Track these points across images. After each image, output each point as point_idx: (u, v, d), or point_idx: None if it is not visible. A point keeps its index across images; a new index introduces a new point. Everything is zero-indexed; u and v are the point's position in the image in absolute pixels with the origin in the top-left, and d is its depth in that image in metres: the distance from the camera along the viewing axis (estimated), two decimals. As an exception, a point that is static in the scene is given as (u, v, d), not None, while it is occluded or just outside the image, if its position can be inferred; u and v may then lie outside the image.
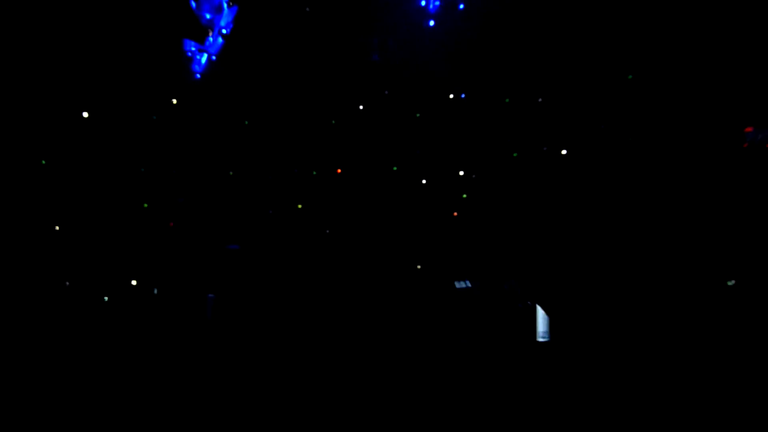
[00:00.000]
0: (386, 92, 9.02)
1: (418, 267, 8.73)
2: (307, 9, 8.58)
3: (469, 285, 7.59)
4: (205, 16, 7.65)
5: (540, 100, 8.53)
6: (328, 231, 8.96)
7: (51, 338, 6.67)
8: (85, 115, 7.92)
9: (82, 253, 7.89)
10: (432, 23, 8.47)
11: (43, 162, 7.92)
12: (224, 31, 8.16)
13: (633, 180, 8.11)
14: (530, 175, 8.68)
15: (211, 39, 7.88)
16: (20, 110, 7.68)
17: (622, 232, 8.04)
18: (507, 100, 8.74)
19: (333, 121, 9.04)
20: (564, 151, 8.56)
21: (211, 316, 7.49)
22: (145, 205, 8.44)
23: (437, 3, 8.39)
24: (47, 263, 7.58)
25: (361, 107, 9.02)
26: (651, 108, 8.12)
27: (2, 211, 7.58)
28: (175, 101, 8.45)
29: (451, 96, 8.85)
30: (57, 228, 7.83)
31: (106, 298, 7.01)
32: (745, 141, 7.34)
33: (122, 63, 8.01)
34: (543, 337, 7.22)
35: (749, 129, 7.33)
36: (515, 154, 8.75)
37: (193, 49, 7.96)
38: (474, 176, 9.01)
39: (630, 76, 8.27)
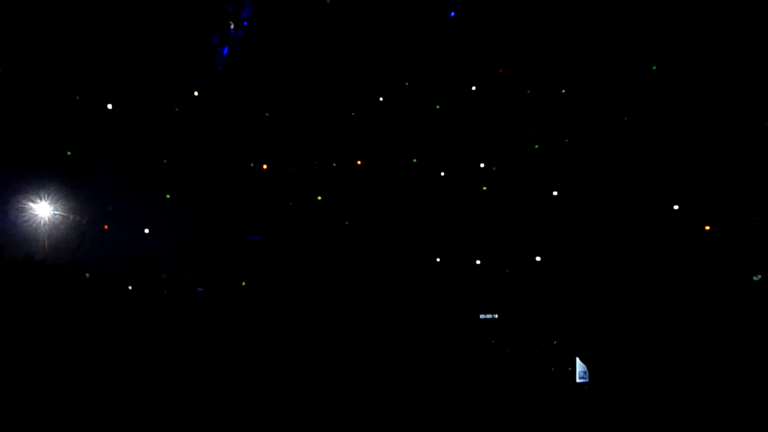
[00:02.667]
0: (407, 83, 8.98)
1: (437, 260, 8.73)
2: (328, 1, 8.56)
3: (495, 317, 6.68)
4: (227, 9, 7.69)
5: (563, 91, 8.43)
6: (347, 223, 8.98)
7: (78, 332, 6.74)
8: (110, 106, 8.02)
9: (104, 243, 8.01)
10: (453, 14, 8.40)
11: (69, 153, 8.04)
12: (245, 23, 8.20)
13: (659, 175, 7.98)
14: (551, 168, 8.60)
15: (233, 31, 7.91)
16: (47, 102, 7.80)
17: (648, 236, 7.78)
18: (528, 92, 8.65)
19: (353, 113, 9.03)
20: (586, 144, 8.46)
21: (200, 310, 7.44)
22: (168, 196, 8.54)
23: (459, -7, 8.32)
24: (66, 253, 7.70)
25: (381, 99, 9.00)
26: (676, 99, 7.98)
27: (23, 199, 7.72)
28: (196, 93, 8.51)
29: (473, 87, 8.78)
30: (80, 216, 7.95)
31: (130, 287, 7.12)
32: None
33: (146, 55, 8.07)
34: (582, 378, 6.17)
35: None
36: (537, 146, 8.67)
37: (215, 41, 8.01)
38: (494, 168, 8.96)
39: (654, 67, 8.13)
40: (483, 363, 6.42)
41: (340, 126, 9.01)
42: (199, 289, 7.23)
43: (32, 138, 7.90)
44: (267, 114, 8.85)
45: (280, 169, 8.93)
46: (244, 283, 8.28)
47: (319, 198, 9.08)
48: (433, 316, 7.76)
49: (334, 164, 9.13)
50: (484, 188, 8.97)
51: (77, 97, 8.13)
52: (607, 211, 8.19)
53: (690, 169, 7.84)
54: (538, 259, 8.79)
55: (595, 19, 8.25)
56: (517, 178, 8.75)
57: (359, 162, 9.16)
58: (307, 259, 8.74)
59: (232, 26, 8.10)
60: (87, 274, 6.88)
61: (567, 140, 8.51)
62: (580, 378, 6.17)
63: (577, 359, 5.87)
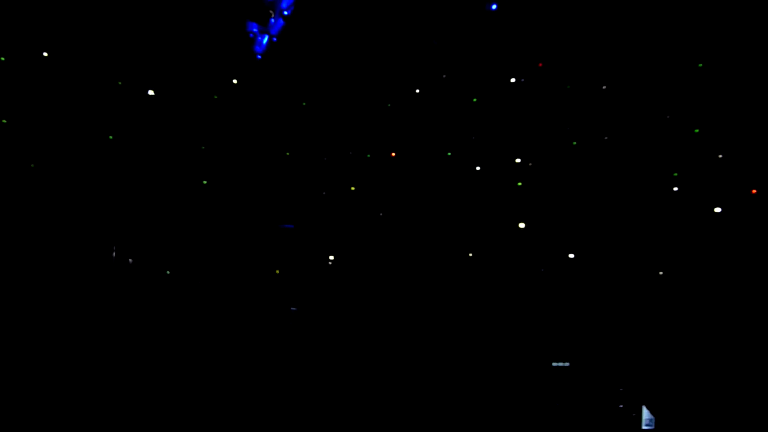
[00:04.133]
0: (444, 76, 8.93)
1: (470, 255, 8.70)
2: (368, -9, 8.55)
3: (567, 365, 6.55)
4: (268, -2, 7.72)
5: (604, 87, 8.29)
6: (381, 214, 9.01)
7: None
8: (151, 93, 8.17)
9: (140, 231, 8.18)
10: (494, 6, 8.31)
11: (111, 137, 8.22)
12: (285, 12, 8.22)
13: (705, 175, 7.77)
14: (589, 165, 8.49)
15: (273, 20, 7.95)
16: (90, 87, 7.99)
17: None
18: (568, 87, 8.53)
19: (389, 105, 9.03)
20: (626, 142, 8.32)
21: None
22: (204, 182, 8.67)
23: (500, -15, 8.22)
24: (105, 239, 7.88)
25: (417, 91, 8.97)
26: (724, 98, 7.78)
27: (69, 183, 7.93)
28: (235, 81, 8.60)
29: (512, 80, 8.69)
30: (117, 202, 8.13)
31: (168, 272, 7.27)
32: None
33: (187, 43, 8.19)
34: (648, 425, 6.03)
35: None
36: (574, 143, 8.56)
37: (255, 30, 8.06)
38: (530, 164, 8.87)
39: (700, 65, 7.94)
40: (552, 411, 6.33)
41: (375, 117, 9.02)
42: (293, 308, 7.29)
43: (74, 121, 8.10)
44: (304, 104, 8.90)
45: (315, 159, 8.99)
46: (278, 271, 8.38)
47: (353, 189, 9.11)
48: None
49: (369, 155, 9.14)
50: (519, 183, 8.90)
51: (119, 83, 8.30)
52: (655, 222, 7.94)
53: (741, 169, 7.63)
54: (571, 255, 8.70)
55: (641, 13, 8.07)
56: (554, 174, 8.65)
57: (393, 154, 9.16)
58: (340, 249, 8.80)
59: (272, 16, 8.14)
60: (130, 260, 7.05)
61: (606, 137, 8.38)
62: (645, 425, 5.97)
63: (643, 406, 5.69)
